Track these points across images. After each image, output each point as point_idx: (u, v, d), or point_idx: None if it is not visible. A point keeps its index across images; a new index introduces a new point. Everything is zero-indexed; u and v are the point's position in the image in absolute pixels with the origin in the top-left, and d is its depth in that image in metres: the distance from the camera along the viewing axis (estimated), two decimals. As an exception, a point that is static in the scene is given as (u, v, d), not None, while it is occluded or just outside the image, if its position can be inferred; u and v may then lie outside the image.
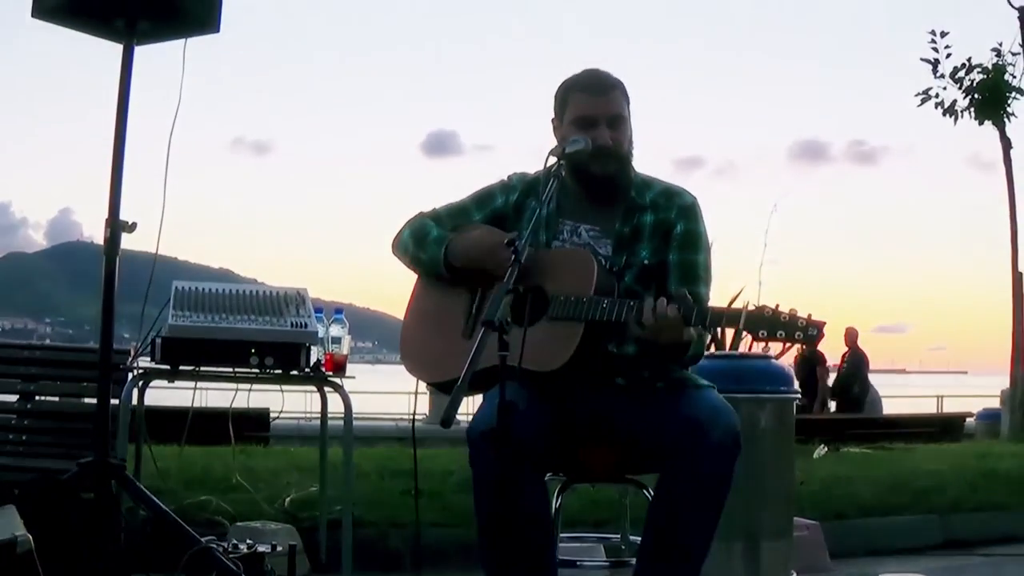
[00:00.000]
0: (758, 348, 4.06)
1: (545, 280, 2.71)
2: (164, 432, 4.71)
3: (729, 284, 5.81)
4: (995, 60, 13.30)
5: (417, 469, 3.35)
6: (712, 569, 2.72)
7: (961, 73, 13.34)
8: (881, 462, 7.38)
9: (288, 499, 4.58)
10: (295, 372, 3.75)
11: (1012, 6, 12.41)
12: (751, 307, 2.48)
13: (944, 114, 13.44)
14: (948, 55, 13.37)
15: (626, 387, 2.78)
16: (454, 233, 2.93)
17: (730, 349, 4.77)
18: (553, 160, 2.65)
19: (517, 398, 2.37)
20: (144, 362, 3.73)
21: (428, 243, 2.92)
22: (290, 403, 4.26)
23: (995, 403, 14.24)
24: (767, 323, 2.38)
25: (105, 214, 3.27)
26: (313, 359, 3.78)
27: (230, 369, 3.75)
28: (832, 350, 13.54)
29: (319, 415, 4.36)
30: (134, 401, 3.78)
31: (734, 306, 3.16)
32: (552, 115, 2.93)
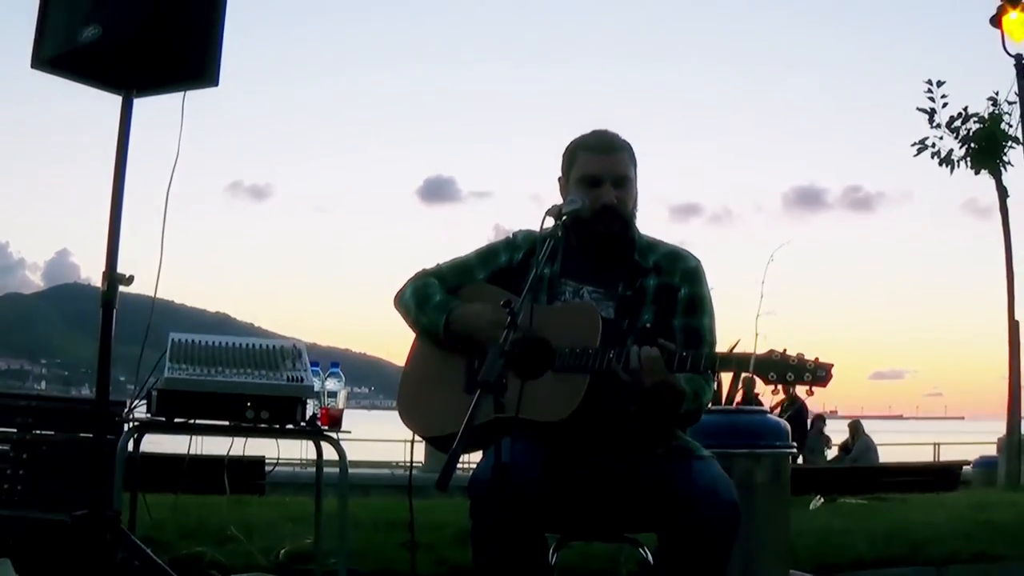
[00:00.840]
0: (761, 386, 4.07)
1: (550, 334, 2.66)
2: (159, 478, 4.71)
3: (726, 335, 5.80)
4: (991, 109, 13.31)
5: (413, 521, 3.29)
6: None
7: (957, 123, 13.36)
8: (877, 513, 7.34)
9: (283, 551, 4.55)
10: (291, 426, 3.75)
11: (1008, 54, 12.37)
12: (759, 351, 2.49)
13: (941, 164, 13.41)
14: (944, 104, 13.41)
15: (625, 448, 2.73)
16: (456, 301, 2.87)
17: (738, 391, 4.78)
18: (550, 219, 2.60)
19: (516, 454, 2.34)
20: (140, 412, 3.72)
21: (429, 308, 2.87)
22: (286, 451, 4.25)
23: (991, 450, 14.20)
24: (776, 366, 2.41)
25: (103, 257, 3.23)
26: (309, 413, 3.78)
27: (226, 422, 3.74)
28: (812, 401, 13.52)
29: (315, 462, 4.33)
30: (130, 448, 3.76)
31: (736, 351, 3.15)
32: (559, 173, 2.92)
